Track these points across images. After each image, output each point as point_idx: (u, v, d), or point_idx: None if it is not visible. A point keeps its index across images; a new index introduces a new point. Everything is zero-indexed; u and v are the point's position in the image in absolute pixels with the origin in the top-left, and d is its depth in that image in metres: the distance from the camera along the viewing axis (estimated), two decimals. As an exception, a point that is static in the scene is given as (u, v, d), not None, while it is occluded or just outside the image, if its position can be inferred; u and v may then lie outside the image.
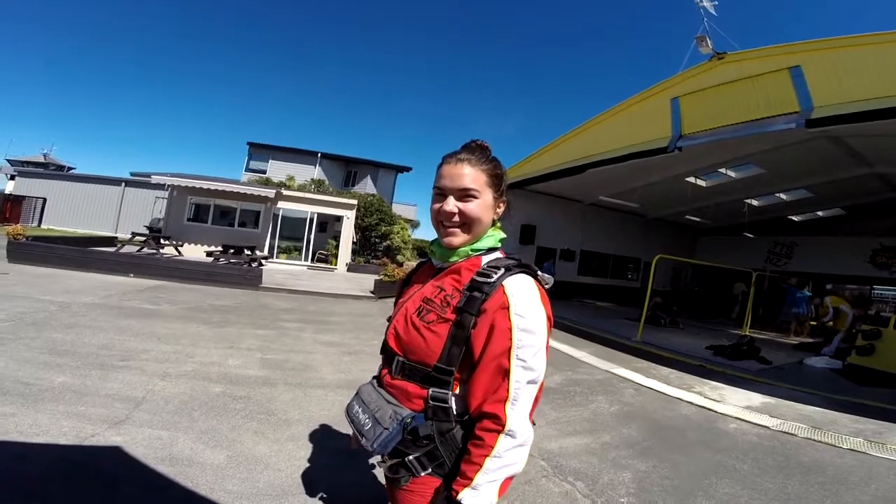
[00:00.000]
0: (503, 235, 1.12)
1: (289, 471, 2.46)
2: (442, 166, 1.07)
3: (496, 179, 1.07)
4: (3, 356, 3.63)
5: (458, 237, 1.04)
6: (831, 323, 8.03)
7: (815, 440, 3.81)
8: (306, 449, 2.75)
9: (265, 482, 2.32)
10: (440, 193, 1.05)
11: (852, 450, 3.63)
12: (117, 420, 2.78)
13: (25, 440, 2.41)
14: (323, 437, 2.94)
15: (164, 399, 3.21)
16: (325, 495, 2.27)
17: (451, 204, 1.03)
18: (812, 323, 8.87)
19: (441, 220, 1.05)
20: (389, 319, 1.16)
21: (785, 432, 3.95)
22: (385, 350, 1.13)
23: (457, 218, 1.03)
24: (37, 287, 6.76)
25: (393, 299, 1.27)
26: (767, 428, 4.04)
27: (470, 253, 1.06)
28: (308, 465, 2.56)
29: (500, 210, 1.12)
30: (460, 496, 0.91)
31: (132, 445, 2.50)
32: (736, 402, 4.79)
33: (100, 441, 2.51)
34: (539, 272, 1.05)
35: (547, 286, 1.05)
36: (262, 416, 3.14)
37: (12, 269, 8.23)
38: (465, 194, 1.02)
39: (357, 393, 1.14)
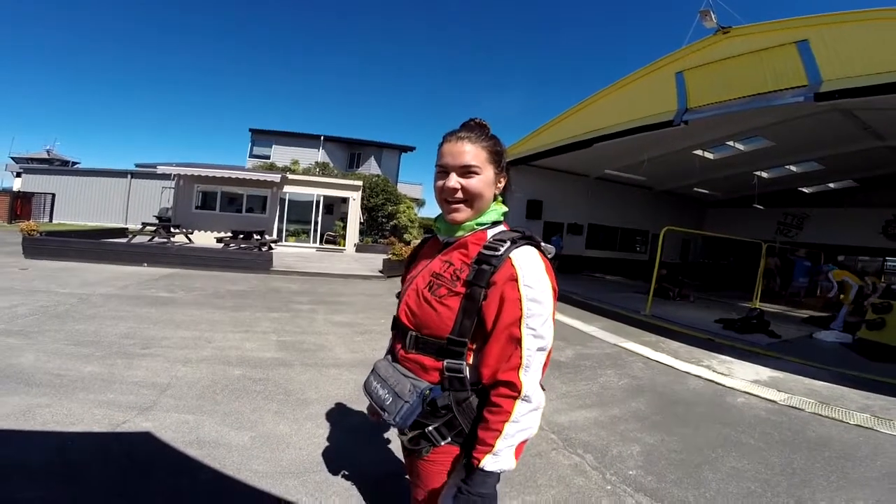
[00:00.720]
0: (505, 209, 1.15)
1: (309, 449, 2.58)
2: (443, 145, 1.09)
3: (496, 156, 1.09)
4: (32, 349, 3.78)
5: (462, 213, 1.07)
6: (841, 296, 7.97)
7: (822, 415, 3.82)
8: (325, 427, 2.86)
9: (288, 460, 2.44)
10: (443, 171, 1.08)
11: (859, 425, 3.63)
12: (145, 406, 2.91)
13: (62, 429, 2.54)
14: (340, 415, 3.05)
15: (188, 384, 3.35)
16: (345, 472, 2.37)
17: (454, 180, 1.05)
18: (828, 296, 8.79)
19: (445, 197, 1.08)
20: (399, 295, 1.19)
21: (792, 407, 3.98)
22: (397, 325, 1.16)
23: (460, 194, 1.06)
24: (55, 281, 6.94)
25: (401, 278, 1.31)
26: (775, 402, 4.07)
27: (475, 227, 1.09)
28: (327, 442, 2.67)
29: (501, 185, 1.14)
30: (482, 463, 0.96)
31: (161, 430, 2.62)
32: (744, 377, 4.84)
33: (131, 427, 2.63)
34: (542, 243, 1.08)
35: (549, 256, 1.08)
36: (281, 397, 3.26)
37: (29, 264, 8.44)
38: (466, 171, 1.05)
39: (373, 369, 1.17)
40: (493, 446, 0.96)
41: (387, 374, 1.10)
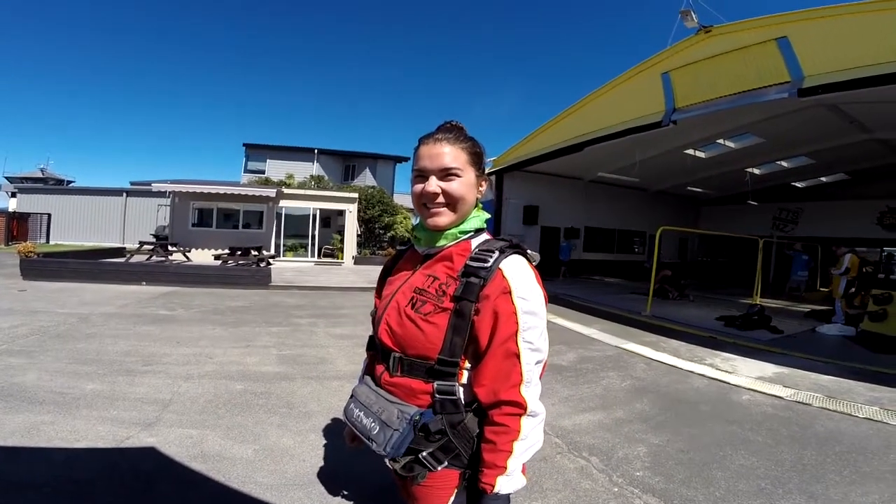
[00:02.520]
0: (488, 216, 1.10)
1: (313, 461, 2.56)
2: (420, 148, 1.02)
3: (476, 157, 1.04)
4: (34, 368, 3.77)
5: (444, 217, 1.00)
6: (843, 272, 8.01)
7: (830, 410, 3.79)
8: (328, 439, 2.85)
9: (292, 472, 2.43)
10: (420, 175, 1.00)
11: (869, 419, 3.61)
12: (148, 422, 2.90)
13: (68, 446, 2.53)
14: (342, 426, 3.01)
15: (190, 399, 3.33)
16: (350, 482, 2.36)
17: (434, 184, 0.98)
18: (832, 272, 8.76)
19: (424, 202, 1.01)
20: (374, 314, 1.14)
21: (799, 402, 3.95)
22: (377, 346, 1.09)
23: (441, 198, 0.99)
24: (54, 301, 6.92)
25: None
26: (781, 398, 4.05)
27: (458, 235, 1.03)
28: (331, 454, 2.66)
29: (483, 188, 1.08)
30: (497, 487, 0.92)
31: (165, 445, 2.61)
32: (748, 373, 4.82)
33: (135, 443, 2.62)
34: (528, 251, 1.03)
35: (534, 263, 1.04)
36: (283, 410, 3.25)
37: (27, 285, 8.41)
38: (446, 173, 0.98)
39: (353, 395, 1.09)
40: (505, 468, 0.92)
41: (369, 401, 1.02)
